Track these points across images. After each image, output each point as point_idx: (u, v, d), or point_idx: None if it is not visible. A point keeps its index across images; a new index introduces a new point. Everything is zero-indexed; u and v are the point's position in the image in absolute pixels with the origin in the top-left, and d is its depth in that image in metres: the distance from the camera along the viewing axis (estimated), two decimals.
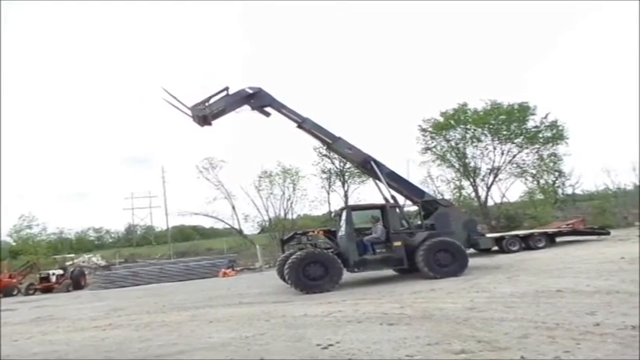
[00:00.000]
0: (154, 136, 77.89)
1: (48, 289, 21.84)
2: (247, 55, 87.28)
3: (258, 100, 12.37)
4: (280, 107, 12.38)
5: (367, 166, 12.42)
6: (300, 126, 12.46)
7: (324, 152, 29.95)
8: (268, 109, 12.48)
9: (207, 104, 12.20)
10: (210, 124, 12.28)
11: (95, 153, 78.32)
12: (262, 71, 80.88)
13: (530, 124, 27.61)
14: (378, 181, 12.16)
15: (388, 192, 11.82)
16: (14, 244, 37.53)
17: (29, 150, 73.45)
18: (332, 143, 12.69)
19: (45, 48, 76.20)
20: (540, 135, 27.49)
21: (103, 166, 77.89)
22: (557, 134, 27.34)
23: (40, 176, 75.04)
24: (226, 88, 12.34)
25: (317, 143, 18.66)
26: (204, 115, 12.05)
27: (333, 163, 31.70)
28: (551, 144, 27.59)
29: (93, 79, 78.10)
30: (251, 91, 12.35)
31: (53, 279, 22.54)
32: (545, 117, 27.32)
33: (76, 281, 22.73)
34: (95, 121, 77.51)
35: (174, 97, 12.20)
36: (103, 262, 32.54)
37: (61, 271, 23.66)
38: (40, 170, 75.04)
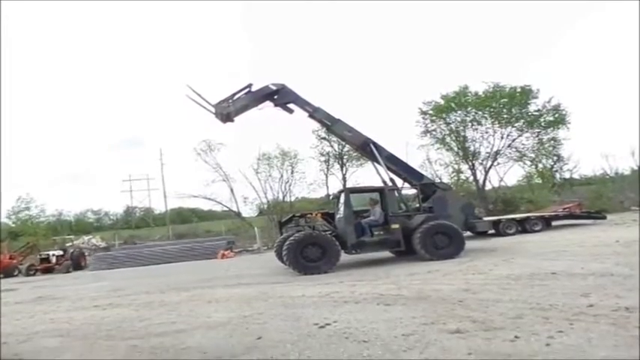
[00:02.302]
0: (151, 118, 77.30)
1: (48, 270, 22.02)
2: (242, 34, 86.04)
3: (281, 97, 12.43)
4: (304, 104, 12.43)
5: (366, 149, 12.43)
6: (311, 115, 12.55)
7: (323, 135, 29.93)
8: (291, 106, 12.52)
9: (230, 102, 12.22)
10: (232, 120, 12.35)
11: (91, 136, 77.82)
12: (258, 52, 79.92)
13: (532, 107, 27.48)
14: (376, 164, 12.16)
15: (387, 175, 11.85)
16: (13, 225, 37.71)
17: (25, 133, 72.90)
18: (331, 125, 12.68)
19: (40, 37, 74.94)
20: (542, 119, 27.38)
21: (100, 148, 77.48)
22: (559, 118, 27.21)
23: (38, 159, 74.64)
24: (249, 85, 12.43)
25: (316, 126, 18.63)
26: (228, 112, 12.08)
27: (331, 146, 31.73)
28: (552, 128, 27.50)
29: (90, 65, 77.09)
30: (274, 88, 12.42)
31: (53, 260, 22.71)
32: (549, 101, 27.20)
33: (76, 262, 22.92)
34: (91, 103, 76.71)
35: (199, 95, 12.24)
36: (102, 244, 32.73)
37: (61, 252, 23.83)
38: (37, 153, 74.59)
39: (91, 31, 76.90)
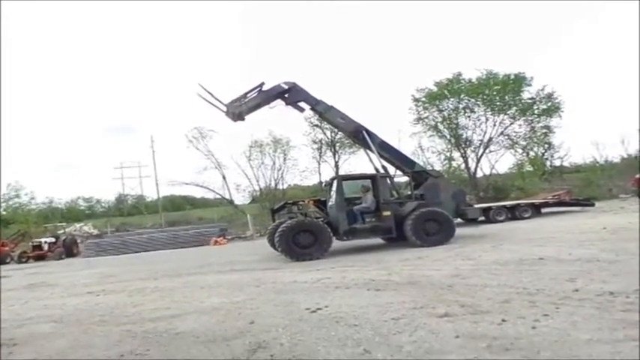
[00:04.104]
0: (143, 105, 76.43)
1: (40, 257, 21.91)
2: (236, 24, 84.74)
3: (292, 95, 12.38)
4: (314, 103, 12.40)
5: (359, 136, 12.42)
6: (312, 108, 12.61)
7: (315, 122, 29.84)
8: (302, 104, 12.52)
9: (243, 101, 12.19)
10: (243, 119, 12.35)
11: (83, 123, 76.85)
12: (252, 41, 78.80)
13: (526, 95, 27.55)
14: (369, 151, 12.19)
15: (379, 162, 11.88)
16: (4, 213, 37.34)
17: (16, 120, 71.75)
18: (324, 112, 12.65)
19: (32, 25, 73.13)
20: (535, 107, 27.46)
21: (91, 136, 76.59)
22: (552, 107, 27.31)
23: (29, 146, 73.63)
24: (261, 84, 12.36)
25: (309, 113, 18.56)
26: (240, 111, 12.07)
27: (324, 134, 31.68)
28: (545, 116, 27.62)
29: (81, 53, 75.63)
30: (286, 87, 12.37)
31: (45, 247, 22.60)
32: (542, 89, 27.27)
33: (69, 249, 22.86)
34: (82, 91, 75.50)
35: (210, 94, 12.15)
36: (94, 231, 32.58)
37: (53, 240, 23.71)
38: (28, 140, 73.57)
39: (83, 20, 75.35)
